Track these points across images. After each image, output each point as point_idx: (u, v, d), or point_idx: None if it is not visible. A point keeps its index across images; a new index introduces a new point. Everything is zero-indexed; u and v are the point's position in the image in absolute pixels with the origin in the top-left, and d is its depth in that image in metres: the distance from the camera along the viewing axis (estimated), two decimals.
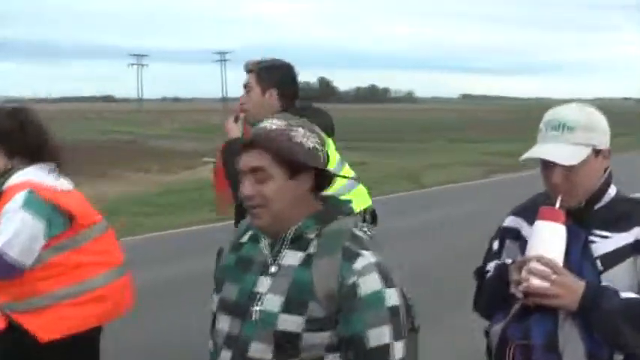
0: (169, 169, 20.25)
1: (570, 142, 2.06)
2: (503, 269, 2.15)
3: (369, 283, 1.82)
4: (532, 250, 2.04)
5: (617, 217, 2.09)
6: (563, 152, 2.05)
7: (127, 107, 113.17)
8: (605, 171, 2.14)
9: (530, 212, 2.18)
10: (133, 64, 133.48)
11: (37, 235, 2.87)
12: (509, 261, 2.17)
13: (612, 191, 2.15)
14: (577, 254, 2.06)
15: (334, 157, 3.62)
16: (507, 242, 2.27)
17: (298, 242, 1.89)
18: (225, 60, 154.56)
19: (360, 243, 1.88)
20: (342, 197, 2.13)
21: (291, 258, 1.88)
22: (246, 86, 3.71)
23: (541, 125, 2.13)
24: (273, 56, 3.75)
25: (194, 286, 6.50)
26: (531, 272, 1.98)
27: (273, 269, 1.89)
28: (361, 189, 3.86)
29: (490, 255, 2.31)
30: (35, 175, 2.95)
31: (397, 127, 44.97)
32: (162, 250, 9.33)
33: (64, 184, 3.05)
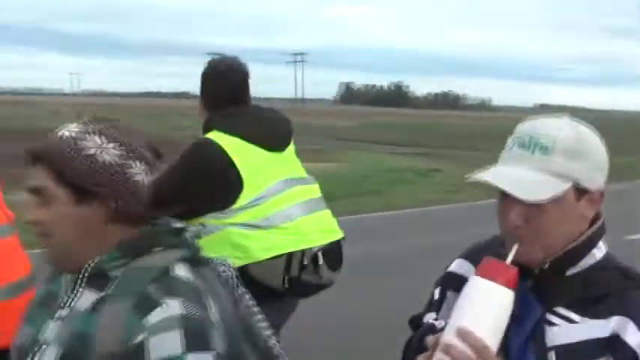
0: None
1: (541, 169, 1.42)
2: (431, 332, 1.55)
3: (164, 344, 1.35)
4: (456, 316, 1.38)
5: (596, 294, 1.44)
6: (526, 181, 1.41)
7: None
8: (593, 223, 1.50)
9: (484, 257, 1.52)
10: None
11: None
12: (439, 324, 1.61)
13: (599, 253, 1.49)
14: (522, 337, 1.44)
15: (275, 174, 2.99)
16: (449, 293, 1.67)
17: (98, 281, 1.45)
18: (300, 61, 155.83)
19: (171, 287, 1.40)
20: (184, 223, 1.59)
21: (85, 300, 1.45)
22: None
23: (509, 139, 1.51)
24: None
25: None
26: (448, 352, 1.33)
27: (63, 312, 1.47)
28: (319, 217, 3.07)
29: (430, 304, 1.72)
30: None
31: (472, 135, 44.37)
32: None
33: None
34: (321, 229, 3.05)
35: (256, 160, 2.94)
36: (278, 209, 2.93)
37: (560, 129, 1.45)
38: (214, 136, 2.96)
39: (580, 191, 1.44)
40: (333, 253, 3.03)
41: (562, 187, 1.41)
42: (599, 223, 1.51)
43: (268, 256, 2.87)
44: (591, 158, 1.45)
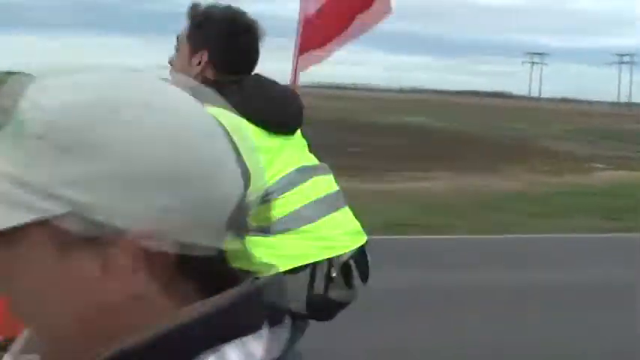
0: (557, 170, 19.69)
1: None
2: None
3: None
4: None
5: None
6: None
7: (521, 104, 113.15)
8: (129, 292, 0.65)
9: None
10: (528, 62, 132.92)
11: None
12: None
13: None
14: None
15: (288, 162, 2.40)
16: None
17: None
18: (628, 62, 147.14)
19: None
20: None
21: None
22: (177, 39, 2.56)
23: None
24: None
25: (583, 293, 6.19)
26: None
27: None
28: (342, 216, 2.47)
29: None
30: None
31: None
32: (544, 253, 9.02)
33: None
34: (347, 230, 2.45)
35: (264, 143, 2.31)
36: (294, 207, 2.34)
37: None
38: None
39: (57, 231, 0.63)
40: (363, 261, 2.45)
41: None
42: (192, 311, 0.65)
43: (285, 269, 2.21)
44: (98, 159, 0.62)
